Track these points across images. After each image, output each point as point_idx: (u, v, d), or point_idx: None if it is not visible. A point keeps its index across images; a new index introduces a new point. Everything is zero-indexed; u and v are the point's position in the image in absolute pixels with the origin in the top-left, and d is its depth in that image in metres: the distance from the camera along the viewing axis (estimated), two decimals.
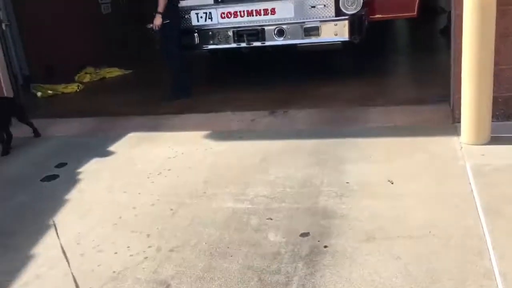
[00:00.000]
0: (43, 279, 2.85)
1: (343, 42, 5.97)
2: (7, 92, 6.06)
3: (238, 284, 2.59)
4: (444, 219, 2.91)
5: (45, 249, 3.17)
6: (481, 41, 3.52)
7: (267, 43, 6.16)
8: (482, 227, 2.76)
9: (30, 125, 5.34)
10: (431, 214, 2.97)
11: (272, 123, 5.03)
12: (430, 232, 2.79)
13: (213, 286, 2.61)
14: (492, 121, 3.87)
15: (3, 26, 6.21)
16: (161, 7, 5.84)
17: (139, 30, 6.99)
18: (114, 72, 8.42)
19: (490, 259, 2.49)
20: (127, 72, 8.47)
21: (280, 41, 6.06)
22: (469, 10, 3.51)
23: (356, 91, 5.85)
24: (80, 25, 8.39)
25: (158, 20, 5.91)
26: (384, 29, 8.50)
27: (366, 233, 2.88)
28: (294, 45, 6.16)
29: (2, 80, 6.04)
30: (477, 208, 2.94)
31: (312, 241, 2.87)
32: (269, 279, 2.60)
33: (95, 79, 8.16)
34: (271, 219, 3.18)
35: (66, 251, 3.11)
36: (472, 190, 3.14)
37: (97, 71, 8.34)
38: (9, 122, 5.06)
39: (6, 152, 4.96)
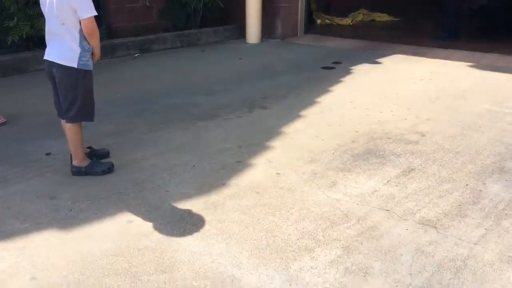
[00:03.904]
0: (331, 110, 3.76)
1: None
2: (300, 16, 7.23)
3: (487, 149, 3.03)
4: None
5: (323, 99, 4.08)
6: None
7: None
8: None
9: None
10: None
11: None
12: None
13: (462, 144, 3.09)
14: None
15: None
16: None
17: None
18: (384, 17, 9.10)
19: None
20: (395, 19, 9.04)
21: None
22: None
23: None
24: None
25: None
26: None
27: None
28: None
29: (299, 9, 7.21)
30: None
31: None
32: None
33: (366, 20, 8.96)
34: None
35: (340, 105, 3.95)
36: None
37: (369, 14, 9.13)
38: None
39: None
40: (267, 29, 6.80)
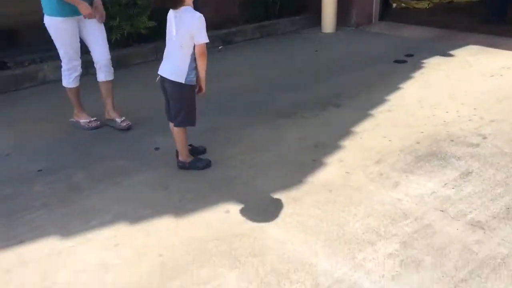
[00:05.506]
0: (399, 109, 4.11)
1: None
2: (375, 3, 7.41)
3: None
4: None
5: (393, 97, 4.42)
6: None
7: None
8: None
9: None
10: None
11: None
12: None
13: None
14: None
15: None
16: None
17: None
18: None
19: None
20: None
21: None
22: None
23: None
24: None
25: None
26: None
27: None
28: None
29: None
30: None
31: None
32: None
33: (444, 1, 8.91)
34: None
35: (408, 103, 4.28)
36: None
37: None
38: None
39: None
40: (342, 17, 7.08)
